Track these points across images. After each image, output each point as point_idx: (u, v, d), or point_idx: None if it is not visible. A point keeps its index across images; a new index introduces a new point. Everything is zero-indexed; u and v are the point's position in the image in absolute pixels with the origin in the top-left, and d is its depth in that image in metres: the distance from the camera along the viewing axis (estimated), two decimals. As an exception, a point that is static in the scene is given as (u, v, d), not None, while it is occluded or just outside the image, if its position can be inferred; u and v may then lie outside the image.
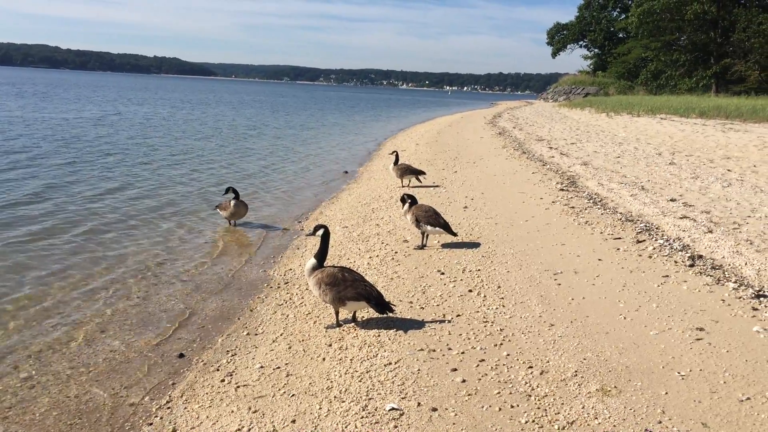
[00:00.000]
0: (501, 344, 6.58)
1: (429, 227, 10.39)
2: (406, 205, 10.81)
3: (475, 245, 10.63)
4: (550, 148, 25.24)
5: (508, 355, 6.31)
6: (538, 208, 13.43)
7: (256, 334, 7.33)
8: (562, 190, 15.41)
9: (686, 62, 61.92)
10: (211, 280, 9.55)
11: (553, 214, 12.76)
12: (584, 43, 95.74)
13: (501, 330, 6.95)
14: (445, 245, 10.71)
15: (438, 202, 14.26)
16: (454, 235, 10.52)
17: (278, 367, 6.32)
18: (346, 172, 21.54)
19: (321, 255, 7.46)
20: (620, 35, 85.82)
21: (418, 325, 7.18)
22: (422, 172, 17.25)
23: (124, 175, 18.49)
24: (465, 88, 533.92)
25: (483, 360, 6.20)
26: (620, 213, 12.48)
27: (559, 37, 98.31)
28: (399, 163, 17.50)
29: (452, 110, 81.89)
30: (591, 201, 13.86)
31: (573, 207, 13.28)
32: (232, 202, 12.64)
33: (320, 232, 7.54)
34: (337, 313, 7.35)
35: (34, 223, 12.21)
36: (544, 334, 6.81)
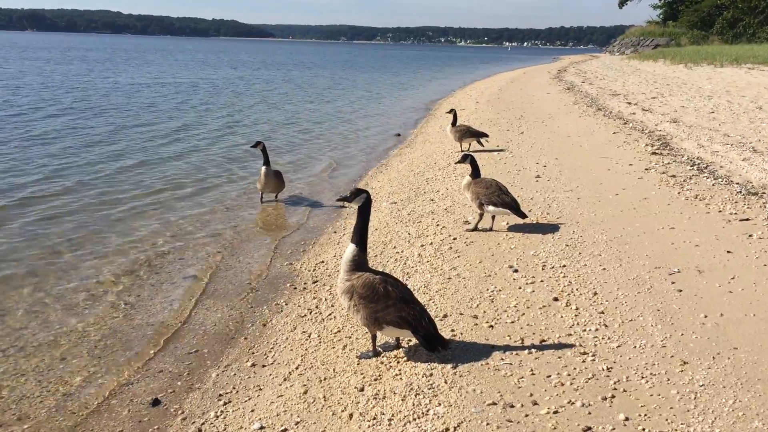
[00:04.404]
0: (612, 397, 4.41)
1: (491, 207, 8.17)
2: (467, 177, 8.61)
3: (554, 228, 8.38)
4: (629, 103, 22.36)
5: (627, 419, 4.14)
6: (628, 177, 10.99)
7: (263, 366, 5.36)
8: (655, 153, 12.84)
9: (766, 9, 56.70)
10: (221, 278, 7.63)
11: (650, 185, 10.33)
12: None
13: (608, 369, 4.77)
14: (515, 227, 8.49)
15: (504, 170, 11.98)
16: (523, 216, 8.28)
17: (284, 430, 4.34)
18: (399, 135, 19.30)
19: (360, 235, 5.16)
20: (694, -19, 79.85)
21: (486, 355, 5.07)
22: (484, 134, 14.86)
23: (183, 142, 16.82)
24: (525, 43, 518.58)
25: (589, 429, 4.06)
26: (737, 183, 9.96)
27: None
28: (457, 124, 15.08)
29: (513, 66, 77.87)
30: (695, 167, 11.32)
31: (674, 176, 10.78)
32: (263, 170, 10.70)
33: (361, 197, 5.20)
34: (373, 338, 5.29)
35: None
36: (676, 379, 4.60)
